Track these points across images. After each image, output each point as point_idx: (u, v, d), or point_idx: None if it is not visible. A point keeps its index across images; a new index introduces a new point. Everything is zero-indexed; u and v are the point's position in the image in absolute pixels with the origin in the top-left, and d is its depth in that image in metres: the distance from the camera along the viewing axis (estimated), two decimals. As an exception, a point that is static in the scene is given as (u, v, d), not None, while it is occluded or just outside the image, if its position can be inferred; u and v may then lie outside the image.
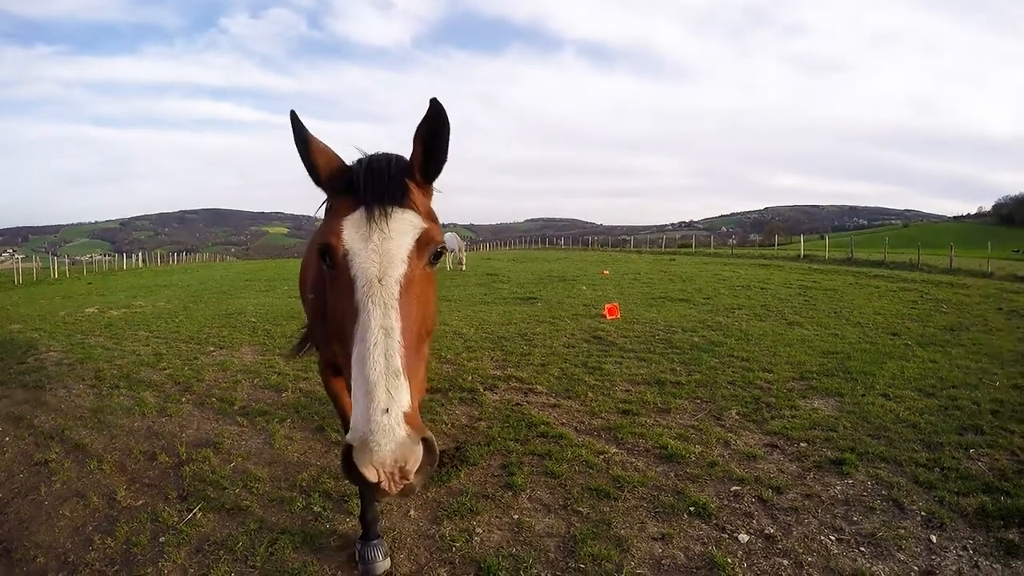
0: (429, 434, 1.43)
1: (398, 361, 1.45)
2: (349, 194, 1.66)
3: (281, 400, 6.02)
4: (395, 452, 1.37)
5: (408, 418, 1.40)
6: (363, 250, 1.58)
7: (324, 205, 1.82)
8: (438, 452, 1.45)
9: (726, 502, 3.78)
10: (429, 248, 1.68)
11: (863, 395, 5.85)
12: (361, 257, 1.57)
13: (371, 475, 1.37)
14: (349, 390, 1.57)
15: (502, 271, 23.23)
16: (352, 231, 1.61)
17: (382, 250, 1.58)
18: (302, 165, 1.73)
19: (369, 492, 1.46)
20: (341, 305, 1.59)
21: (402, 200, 1.65)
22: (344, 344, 1.59)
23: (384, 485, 1.40)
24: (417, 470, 1.43)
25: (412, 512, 3.75)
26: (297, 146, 1.71)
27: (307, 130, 1.72)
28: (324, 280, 1.81)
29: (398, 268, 1.58)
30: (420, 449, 1.41)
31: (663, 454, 4.48)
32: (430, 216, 1.74)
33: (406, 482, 1.42)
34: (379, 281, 1.54)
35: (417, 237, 1.64)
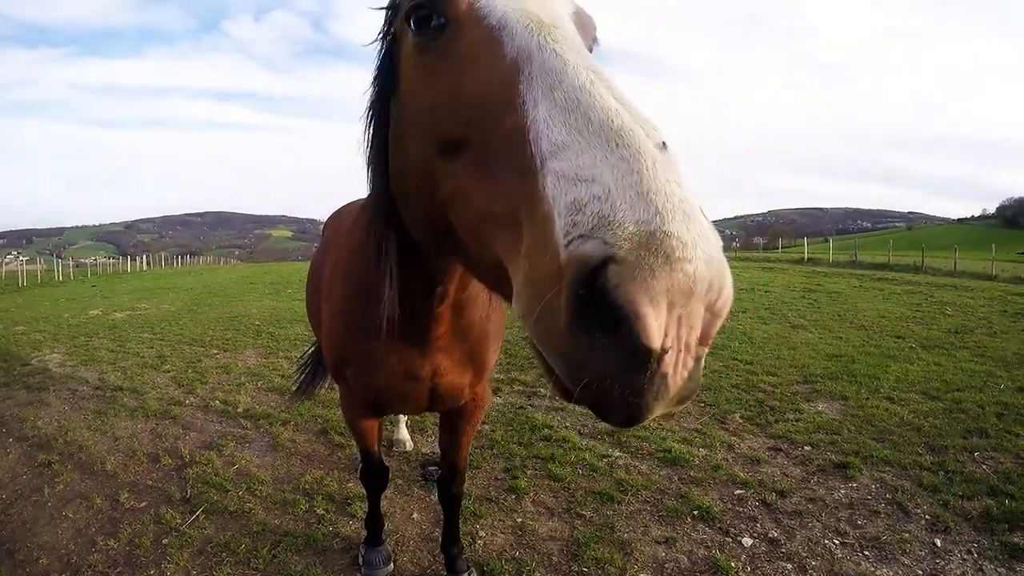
0: None
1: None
2: None
3: (284, 403, 6.03)
4: (710, 256, 0.65)
5: None
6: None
7: None
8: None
9: (730, 506, 3.77)
10: (588, 32, 1.10)
11: (867, 398, 5.83)
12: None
13: (655, 324, 0.62)
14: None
15: (505, 274, 23.24)
16: None
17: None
18: None
19: (610, 381, 0.65)
20: (464, 88, 0.93)
21: None
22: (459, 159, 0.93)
23: (668, 360, 0.66)
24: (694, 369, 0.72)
25: (415, 515, 3.75)
26: None
27: None
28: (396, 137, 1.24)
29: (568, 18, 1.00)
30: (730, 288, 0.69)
31: (667, 458, 4.46)
32: None
33: (692, 363, 0.70)
34: (553, 26, 0.91)
35: (574, 11, 1.08)
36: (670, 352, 0.65)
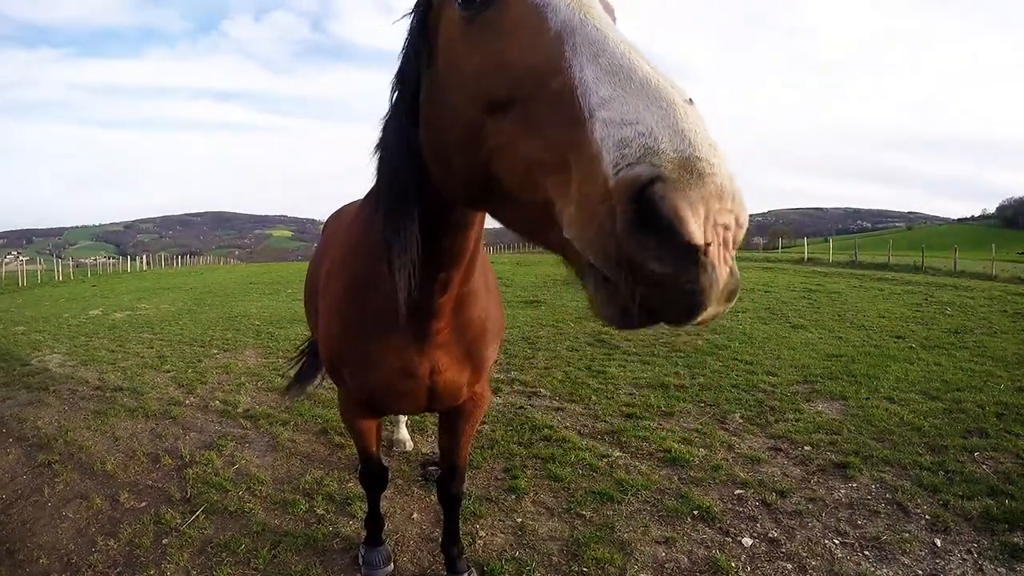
0: None
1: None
2: None
3: (284, 403, 6.02)
4: (731, 175, 0.80)
5: None
6: None
7: None
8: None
9: (730, 506, 3.77)
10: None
11: (867, 398, 5.83)
12: None
13: (695, 223, 0.75)
14: None
15: (506, 274, 23.23)
16: None
17: None
18: None
19: (669, 271, 0.76)
20: (512, 56, 1.04)
21: None
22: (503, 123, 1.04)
23: (713, 252, 0.78)
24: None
25: (416, 515, 3.75)
26: None
27: None
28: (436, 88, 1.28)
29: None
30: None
31: (667, 458, 4.46)
32: None
33: (730, 260, 0.83)
34: (589, 5, 1.04)
35: None
36: (712, 245, 0.77)
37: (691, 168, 0.75)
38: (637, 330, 0.85)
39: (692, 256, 0.75)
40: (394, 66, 1.53)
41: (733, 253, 0.82)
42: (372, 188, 1.81)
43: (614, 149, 0.79)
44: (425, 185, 1.50)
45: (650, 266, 0.75)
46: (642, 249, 0.76)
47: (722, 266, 0.79)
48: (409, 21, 1.44)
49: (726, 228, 0.79)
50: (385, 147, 1.61)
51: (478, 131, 1.09)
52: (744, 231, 0.81)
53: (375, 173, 1.70)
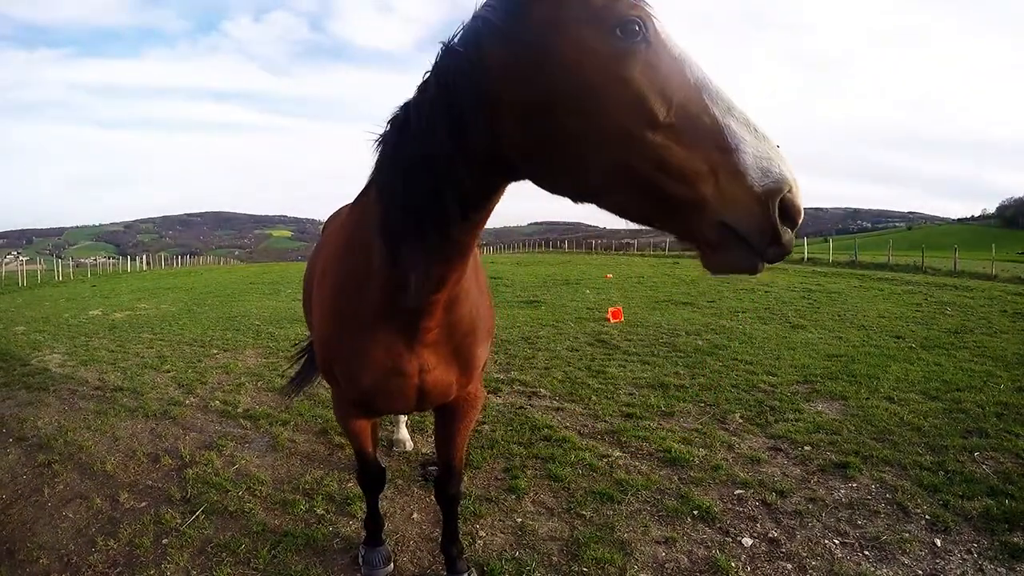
0: None
1: None
2: None
3: (284, 403, 6.02)
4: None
5: None
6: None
7: None
8: None
9: (730, 506, 3.77)
10: None
11: (867, 398, 5.83)
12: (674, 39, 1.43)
13: (802, 213, 1.27)
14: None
15: (505, 274, 23.23)
16: None
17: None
18: None
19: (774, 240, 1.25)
20: (667, 92, 1.31)
21: None
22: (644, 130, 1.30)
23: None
24: None
25: (415, 515, 3.75)
26: None
27: None
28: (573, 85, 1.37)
29: None
30: None
31: (667, 458, 4.47)
32: None
33: None
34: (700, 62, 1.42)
35: None
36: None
37: (796, 187, 1.23)
38: (753, 273, 1.29)
39: (795, 227, 1.25)
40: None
41: None
42: (368, 184, 1.79)
43: (758, 172, 1.21)
44: (458, 176, 1.50)
45: (785, 236, 1.23)
46: (784, 225, 1.22)
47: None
48: (535, 34, 1.39)
49: None
50: (415, 135, 1.55)
51: (629, 137, 1.31)
52: None
53: (386, 164, 1.65)
